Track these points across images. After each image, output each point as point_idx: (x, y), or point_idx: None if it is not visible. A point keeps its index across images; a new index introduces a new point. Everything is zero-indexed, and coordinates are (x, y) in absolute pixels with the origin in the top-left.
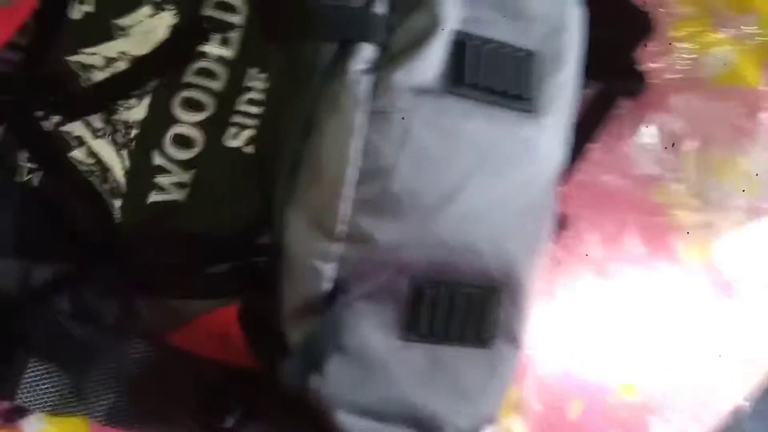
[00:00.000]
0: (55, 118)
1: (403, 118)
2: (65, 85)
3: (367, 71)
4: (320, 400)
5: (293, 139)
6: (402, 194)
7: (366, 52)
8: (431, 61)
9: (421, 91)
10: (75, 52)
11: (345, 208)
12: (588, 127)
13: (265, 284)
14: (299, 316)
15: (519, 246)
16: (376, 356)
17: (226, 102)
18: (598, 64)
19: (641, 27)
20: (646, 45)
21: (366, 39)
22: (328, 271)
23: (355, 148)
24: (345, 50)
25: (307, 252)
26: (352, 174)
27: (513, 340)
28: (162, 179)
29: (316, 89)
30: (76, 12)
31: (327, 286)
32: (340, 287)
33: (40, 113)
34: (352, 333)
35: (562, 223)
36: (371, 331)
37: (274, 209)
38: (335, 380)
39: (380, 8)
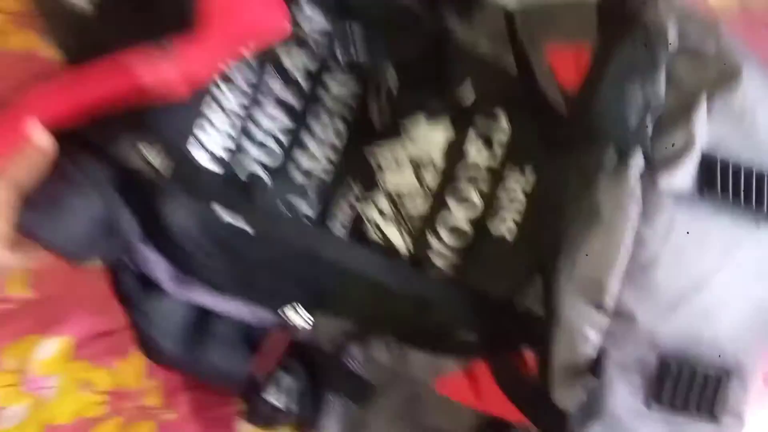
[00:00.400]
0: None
1: (667, 217)
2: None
3: (640, 176)
4: None
5: (576, 225)
6: (661, 282)
7: (639, 160)
8: (687, 171)
9: (679, 195)
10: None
11: (615, 287)
12: None
13: (513, 346)
14: (566, 376)
15: (752, 336)
16: (626, 420)
17: (490, 199)
18: None
19: None
20: None
21: (639, 149)
22: (595, 339)
23: (629, 237)
24: (624, 157)
25: (579, 320)
26: (624, 258)
27: (739, 417)
28: (437, 260)
29: (601, 187)
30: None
31: (591, 352)
32: (602, 354)
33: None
34: (608, 397)
35: None
36: (623, 396)
37: (550, 282)
38: None
39: (649, 126)
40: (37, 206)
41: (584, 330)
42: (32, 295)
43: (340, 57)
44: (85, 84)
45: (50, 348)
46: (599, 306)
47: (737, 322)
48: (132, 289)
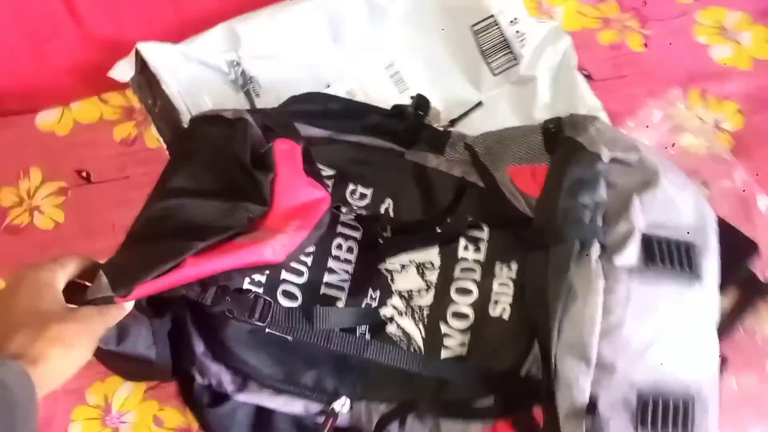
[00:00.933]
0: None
1: (624, 287)
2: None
3: (599, 259)
4: None
5: (558, 302)
6: (629, 336)
7: (596, 247)
8: (633, 250)
9: (631, 269)
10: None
11: (595, 345)
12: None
13: (526, 406)
14: (570, 421)
15: (704, 370)
16: None
17: (484, 288)
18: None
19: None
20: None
21: (596, 240)
22: (587, 387)
23: (599, 305)
24: (585, 247)
25: (573, 374)
26: (598, 322)
27: None
28: (448, 341)
29: (573, 271)
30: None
31: (586, 398)
32: (594, 399)
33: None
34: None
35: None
36: (618, 429)
37: (547, 349)
38: None
39: (599, 221)
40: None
41: (579, 381)
42: None
43: None
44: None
45: (127, 388)
46: (587, 361)
47: (691, 359)
48: (200, 396)
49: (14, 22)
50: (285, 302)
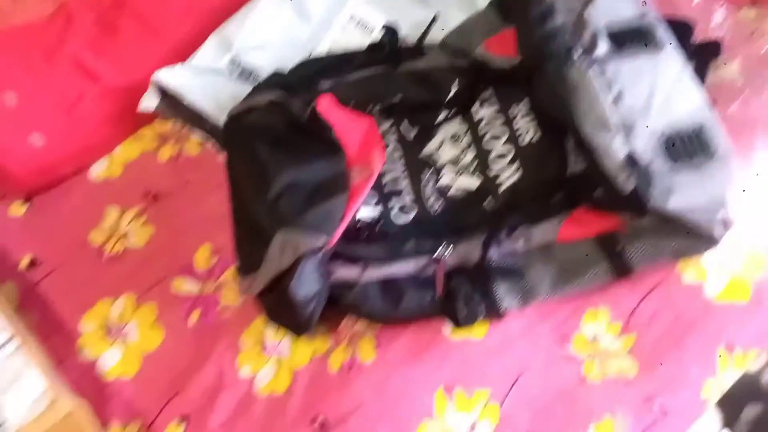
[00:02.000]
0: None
1: (612, 67)
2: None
3: (581, 57)
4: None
5: (570, 100)
6: (632, 99)
7: (578, 51)
8: (604, 43)
9: (608, 55)
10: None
11: (611, 116)
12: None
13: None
14: (621, 175)
15: (700, 105)
16: (664, 176)
17: (510, 127)
18: None
19: None
20: None
21: (572, 48)
22: (621, 147)
23: (598, 87)
24: (569, 53)
25: (608, 142)
26: (604, 99)
27: (726, 149)
28: (501, 179)
29: (569, 75)
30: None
31: (624, 155)
32: (631, 153)
33: None
34: (651, 167)
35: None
36: (658, 165)
37: (579, 136)
38: None
39: (569, 35)
40: None
41: (612, 145)
42: None
43: None
44: None
45: None
46: (610, 128)
47: (686, 99)
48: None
49: (45, 95)
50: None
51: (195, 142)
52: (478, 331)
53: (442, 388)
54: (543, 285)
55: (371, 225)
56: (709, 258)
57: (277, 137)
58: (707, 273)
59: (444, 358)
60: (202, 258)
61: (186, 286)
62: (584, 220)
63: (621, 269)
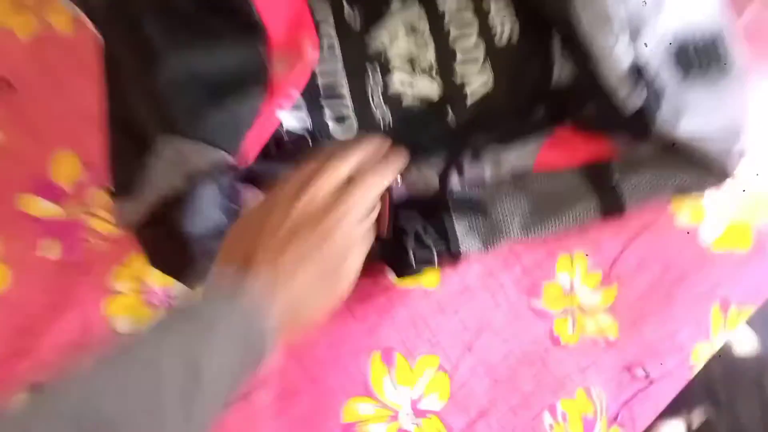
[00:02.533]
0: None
1: None
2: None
3: None
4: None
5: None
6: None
7: None
8: None
9: None
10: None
11: (618, 11)
12: None
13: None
14: (623, 86)
15: (715, 11)
16: (675, 90)
17: (482, 21)
18: None
19: None
20: None
21: None
22: (626, 51)
23: None
24: None
25: (610, 45)
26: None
27: (740, 65)
28: (469, 88)
29: None
30: None
31: (628, 61)
32: (636, 60)
33: None
34: (658, 78)
35: None
36: (666, 77)
37: (574, 34)
38: None
39: None
40: None
41: (615, 49)
42: None
43: None
44: None
45: None
46: (613, 27)
47: (699, 5)
48: None
49: None
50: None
51: (65, 16)
52: (428, 281)
53: (379, 355)
54: (513, 224)
55: (300, 139)
56: (707, 197)
57: (173, 10)
58: (705, 214)
59: (382, 314)
60: (64, 170)
61: (41, 206)
62: (569, 144)
63: (611, 207)
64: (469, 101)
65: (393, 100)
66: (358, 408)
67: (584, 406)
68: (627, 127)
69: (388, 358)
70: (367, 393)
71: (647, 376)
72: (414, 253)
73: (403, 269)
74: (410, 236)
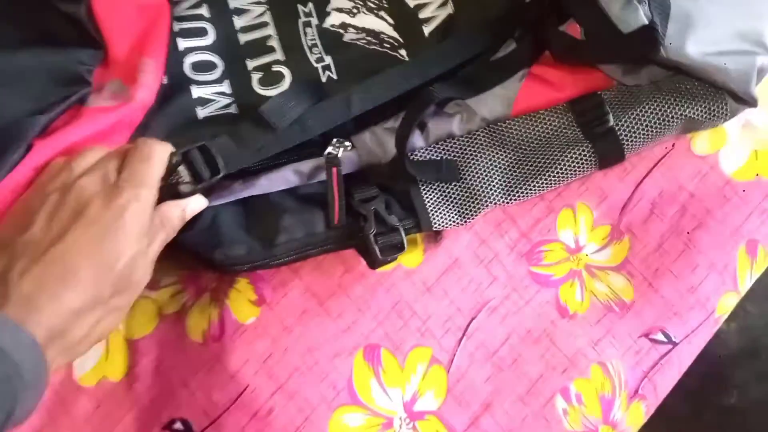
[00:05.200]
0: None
1: None
2: None
3: None
4: None
5: None
6: None
7: None
8: None
9: None
10: None
11: None
12: None
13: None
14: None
15: None
16: None
17: None
18: None
19: None
20: None
21: None
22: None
23: None
24: None
25: None
26: None
27: None
28: (425, 12)
29: None
30: None
31: None
32: None
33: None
34: None
35: None
36: None
37: None
38: None
39: None
40: None
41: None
42: None
43: None
44: None
45: None
46: None
47: None
48: None
49: None
50: (204, 76)
51: None
52: (408, 259)
53: (361, 352)
54: (493, 187)
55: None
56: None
57: None
58: (726, 138)
59: (362, 306)
60: None
61: None
62: (551, 79)
63: (608, 153)
64: (427, 30)
65: (332, 41)
66: (345, 420)
67: (601, 384)
68: (620, 52)
69: (372, 357)
70: (354, 401)
71: (669, 340)
72: (377, 242)
73: (371, 261)
74: (369, 220)
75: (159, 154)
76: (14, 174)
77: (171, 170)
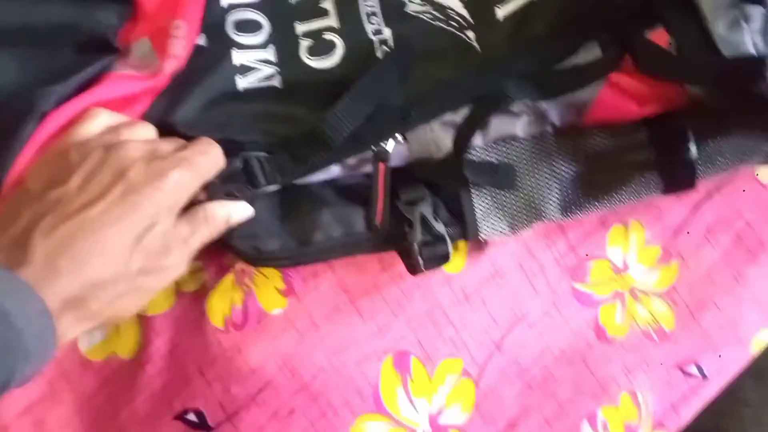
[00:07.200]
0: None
1: None
2: None
3: None
4: None
5: None
6: None
7: None
8: None
9: None
10: None
11: None
12: None
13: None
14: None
15: None
16: None
17: None
18: None
19: None
20: None
21: None
22: None
23: None
24: None
25: None
26: None
27: None
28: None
29: None
30: None
31: None
32: None
33: None
34: None
35: None
36: None
37: None
38: None
39: None
40: None
41: None
42: None
43: None
44: None
45: None
46: None
47: None
48: None
49: None
50: (247, 38)
51: None
52: (450, 264)
53: (391, 360)
54: (550, 200)
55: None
56: None
57: None
58: None
59: (396, 309)
60: None
61: None
62: (630, 90)
63: (678, 182)
64: (500, 13)
65: (394, 14)
66: (368, 428)
67: (628, 414)
68: (717, 78)
69: (402, 365)
70: (379, 409)
71: (702, 374)
72: (421, 252)
73: (412, 268)
74: (416, 228)
75: (217, 151)
76: (28, 148)
77: (227, 173)
